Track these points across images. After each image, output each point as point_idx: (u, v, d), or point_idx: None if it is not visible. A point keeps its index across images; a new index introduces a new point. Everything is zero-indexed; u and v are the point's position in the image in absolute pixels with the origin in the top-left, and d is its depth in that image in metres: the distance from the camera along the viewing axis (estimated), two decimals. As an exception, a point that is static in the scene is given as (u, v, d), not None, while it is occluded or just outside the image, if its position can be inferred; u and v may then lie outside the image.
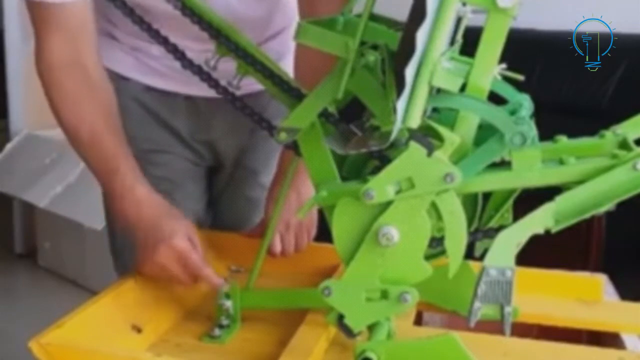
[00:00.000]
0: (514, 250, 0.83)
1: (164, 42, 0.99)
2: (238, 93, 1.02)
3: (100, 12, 1.17)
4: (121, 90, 1.24)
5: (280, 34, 1.29)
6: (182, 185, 1.31)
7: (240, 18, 1.13)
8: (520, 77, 0.91)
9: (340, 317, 0.88)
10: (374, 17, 0.91)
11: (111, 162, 1.08)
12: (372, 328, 0.88)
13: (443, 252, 0.86)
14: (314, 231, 1.25)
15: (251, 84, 1.04)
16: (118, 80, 1.24)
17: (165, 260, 1.02)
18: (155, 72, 1.24)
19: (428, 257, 0.86)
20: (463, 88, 0.82)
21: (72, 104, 1.09)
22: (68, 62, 1.09)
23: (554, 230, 0.84)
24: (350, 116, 0.95)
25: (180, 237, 1.02)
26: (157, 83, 1.26)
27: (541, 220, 0.84)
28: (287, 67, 1.21)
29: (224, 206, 1.42)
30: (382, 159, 0.93)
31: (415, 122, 0.77)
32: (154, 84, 1.26)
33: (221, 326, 1.04)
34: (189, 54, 1.02)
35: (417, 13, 0.75)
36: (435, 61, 0.77)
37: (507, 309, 0.83)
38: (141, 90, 1.27)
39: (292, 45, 1.25)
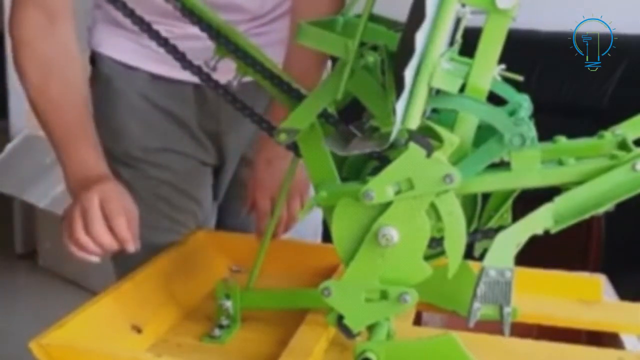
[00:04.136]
0: (514, 251, 0.83)
1: (164, 43, 0.99)
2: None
3: None
4: (128, 85, 1.24)
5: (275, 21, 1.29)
6: (187, 190, 1.30)
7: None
8: (520, 78, 0.92)
9: (340, 318, 0.88)
10: (373, 18, 0.91)
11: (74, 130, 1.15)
12: (371, 328, 0.88)
13: (442, 253, 0.86)
14: (306, 194, 1.26)
15: None
16: (124, 72, 1.23)
17: (88, 201, 1.03)
18: (163, 59, 1.23)
19: (428, 258, 0.86)
20: (462, 89, 0.82)
21: (42, 63, 1.11)
22: (42, 29, 1.09)
23: (553, 230, 0.84)
24: (349, 117, 0.95)
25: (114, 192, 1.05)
26: (165, 71, 1.24)
27: (540, 220, 0.84)
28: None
29: (227, 207, 1.41)
30: (382, 160, 0.93)
31: (414, 123, 0.77)
32: (162, 72, 1.25)
33: (221, 326, 1.04)
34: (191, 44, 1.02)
35: (417, 14, 0.75)
36: (434, 62, 0.77)
37: (507, 310, 0.83)
38: (148, 83, 1.26)
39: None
